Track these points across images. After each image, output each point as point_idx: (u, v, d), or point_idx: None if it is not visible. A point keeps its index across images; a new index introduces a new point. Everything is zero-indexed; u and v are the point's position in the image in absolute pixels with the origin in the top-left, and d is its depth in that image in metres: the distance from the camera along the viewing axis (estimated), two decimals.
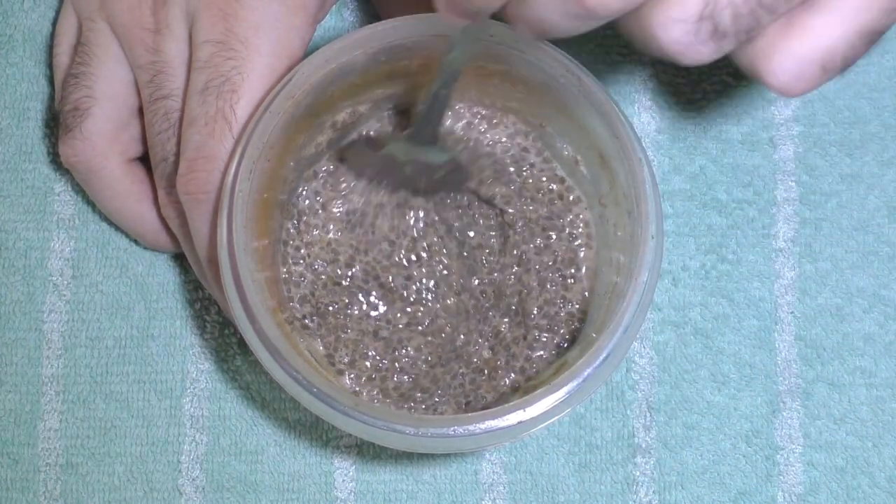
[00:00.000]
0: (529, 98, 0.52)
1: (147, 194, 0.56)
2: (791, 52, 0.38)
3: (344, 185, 0.54)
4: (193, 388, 0.58)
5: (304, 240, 0.53)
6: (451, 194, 0.54)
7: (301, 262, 0.53)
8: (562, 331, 0.53)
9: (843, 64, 0.38)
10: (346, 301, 0.53)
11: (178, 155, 0.52)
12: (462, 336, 0.53)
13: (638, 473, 0.58)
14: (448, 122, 0.54)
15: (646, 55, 0.39)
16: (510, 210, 0.54)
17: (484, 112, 0.55)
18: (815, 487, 0.58)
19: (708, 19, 0.36)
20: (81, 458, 0.58)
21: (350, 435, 0.57)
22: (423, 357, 0.52)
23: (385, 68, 0.50)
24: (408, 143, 0.51)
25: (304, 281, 0.53)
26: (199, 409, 0.58)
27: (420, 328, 0.53)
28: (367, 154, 0.53)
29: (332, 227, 0.54)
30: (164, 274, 0.59)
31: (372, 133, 0.54)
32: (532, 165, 0.55)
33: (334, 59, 0.49)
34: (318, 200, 0.54)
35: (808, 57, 0.38)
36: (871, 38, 0.38)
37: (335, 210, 0.54)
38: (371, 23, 0.50)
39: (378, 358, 0.52)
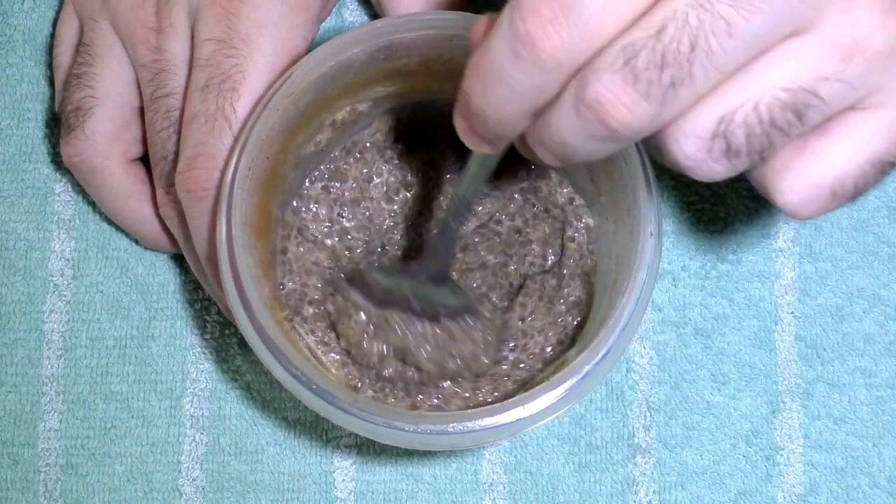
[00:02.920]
0: None
1: (148, 194, 0.56)
2: (802, 175, 0.38)
3: (341, 195, 0.54)
4: (193, 388, 0.58)
5: (304, 237, 0.53)
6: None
7: (300, 260, 0.53)
8: (561, 329, 0.53)
9: (854, 191, 0.39)
10: (346, 299, 0.53)
11: (178, 153, 0.52)
12: (462, 334, 0.53)
13: (638, 473, 0.58)
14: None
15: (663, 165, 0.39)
16: (502, 225, 0.54)
17: None
18: (815, 487, 0.58)
19: (722, 137, 0.37)
20: (81, 459, 0.58)
21: (350, 435, 0.58)
22: (423, 354, 0.52)
23: (384, 66, 0.51)
24: (414, 278, 0.51)
25: (303, 279, 0.53)
26: (199, 409, 0.58)
27: (420, 325, 0.53)
28: (371, 285, 0.52)
29: (331, 225, 0.54)
30: (164, 274, 0.59)
31: (377, 265, 0.54)
32: (528, 171, 0.55)
33: (333, 57, 0.49)
34: (317, 199, 0.54)
35: (820, 181, 0.38)
36: (884, 168, 0.39)
37: (333, 221, 0.54)
38: (369, 21, 0.50)
39: (378, 355, 0.52)
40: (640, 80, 0.35)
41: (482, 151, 0.41)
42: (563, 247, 0.54)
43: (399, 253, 0.55)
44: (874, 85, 0.37)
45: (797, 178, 0.39)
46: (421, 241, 0.55)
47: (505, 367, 0.53)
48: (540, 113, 0.38)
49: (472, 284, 0.54)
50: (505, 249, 0.54)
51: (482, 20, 0.39)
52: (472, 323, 0.52)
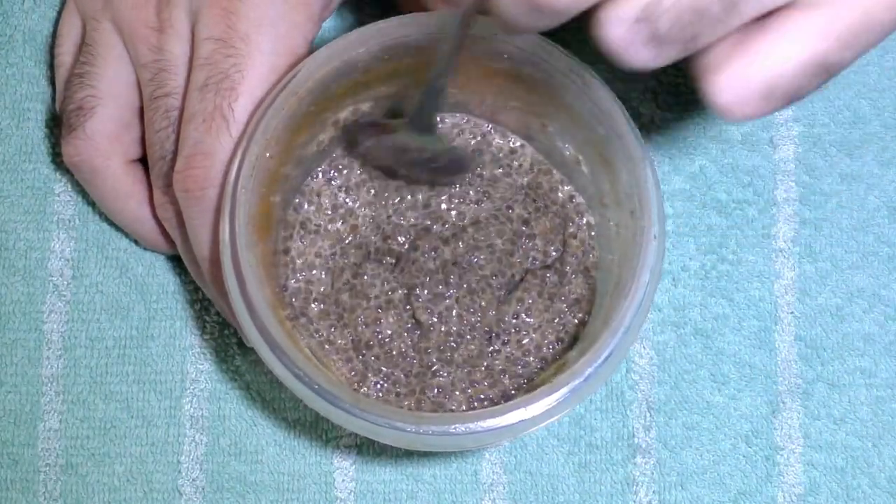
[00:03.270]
0: (531, 97, 0.52)
1: (146, 195, 0.56)
2: (736, 73, 0.37)
3: (346, 182, 0.54)
4: (193, 389, 0.58)
5: (306, 230, 0.53)
6: (452, 184, 0.54)
7: (303, 255, 0.53)
8: (563, 330, 0.53)
9: (789, 94, 0.37)
10: (348, 298, 0.53)
11: (176, 154, 0.52)
12: (463, 335, 0.53)
13: (638, 473, 0.58)
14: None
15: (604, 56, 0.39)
16: (514, 211, 0.54)
17: (485, 117, 0.55)
18: (815, 487, 0.58)
19: (647, 21, 0.36)
20: (81, 459, 0.58)
21: (350, 434, 0.58)
22: (424, 355, 0.52)
23: (388, 66, 0.51)
24: (406, 130, 0.51)
25: (305, 278, 0.53)
26: (199, 410, 0.58)
27: (422, 326, 0.53)
28: (370, 138, 0.53)
29: (333, 224, 0.54)
30: (164, 275, 0.59)
31: (374, 118, 0.54)
32: (531, 166, 0.55)
33: (338, 57, 0.49)
34: (319, 197, 0.54)
35: (754, 80, 0.37)
36: (823, 72, 0.37)
37: (336, 207, 0.54)
38: (373, 21, 0.50)
39: (379, 355, 0.52)
40: None
41: (448, 4, 0.42)
42: (564, 243, 0.54)
43: (407, 228, 0.55)
44: None
45: (731, 76, 0.37)
46: None
47: (498, 361, 0.53)
48: None
49: (476, 263, 0.54)
50: (513, 238, 0.54)
51: None
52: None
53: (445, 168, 0.54)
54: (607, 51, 0.37)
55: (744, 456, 0.58)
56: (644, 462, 0.58)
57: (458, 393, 0.52)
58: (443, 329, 0.53)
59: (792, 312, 0.59)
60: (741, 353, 0.59)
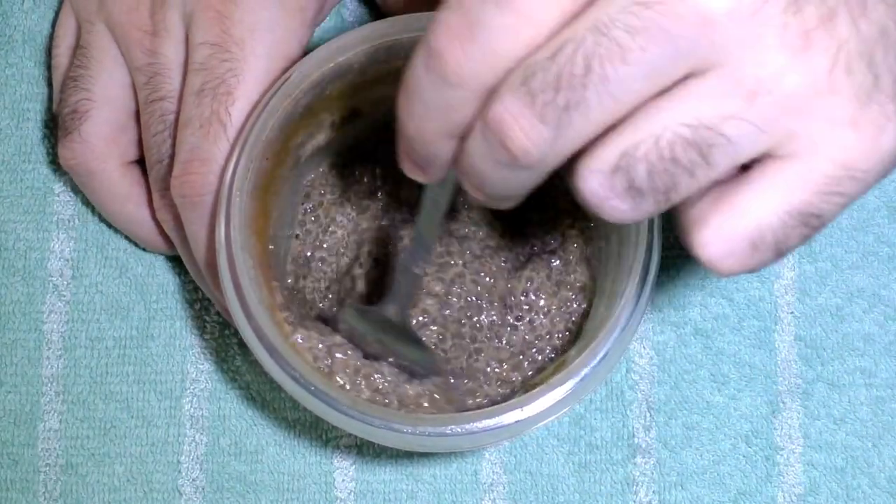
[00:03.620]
0: None
1: (144, 197, 0.56)
2: (720, 226, 0.36)
3: (342, 185, 0.54)
4: (193, 389, 0.58)
5: (303, 239, 0.53)
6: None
7: (299, 260, 0.53)
8: (570, 320, 0.53)
9: (776, 246, 0.37)
10: (345, 299, 0.53)
11: (173, 157, 0.52)
12: (462, 336, 0.53)
13: (638, 473, 0.58)
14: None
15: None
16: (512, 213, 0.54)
17: None
18: (815, 487, 0.58)
19: (623, 172, 0.35)
20: (81, 459, 0.58)
21: (350, 435, 0.58)
22: (458, 325, 0.52)
23: (384, 67, 0.50)
24: (382, 319, 0.51)
25: (302, 280, 0.53)
26: (199, 410, 0.58)
27: (421, 327, 0.53)
28: (352, 324, 0.52)
29: (330, 225, 0.54)
30: (163, 275, 0.59)
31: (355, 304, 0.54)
32: None
33: (333, 58, 0.49)
34: (316, 200, 0.54)
35: (737, 233, 0.36)
36: (808, 222, 0.36)
37: (333, 209, 0.54)
38: (366, 24, 0.50)
39: (378, 356, 0.52)
40: (537, 101, 0.34)
41: (417, 178, 0.40)
42: (563, 233, 0.54)
43: (383, 250, 0.55)
44: (787, 130, 0.35)
45: (714, 230, 0.37)
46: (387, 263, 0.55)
47: (516, 337, 0.53)
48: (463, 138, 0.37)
49: (476, 235, 0.54)
50: (512, 223, 0.54)
51: None
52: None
53: (412, 368, 0.52)
54: (585, 203, 0.37)
55: (744, 456, 0.58)
56: (644, 462, 0.58)
57: (493, 377, 0.52)
58: (461, 294, 0.53)
59: (792, 312, 0.59)
60: (741, 353, 0.59)
